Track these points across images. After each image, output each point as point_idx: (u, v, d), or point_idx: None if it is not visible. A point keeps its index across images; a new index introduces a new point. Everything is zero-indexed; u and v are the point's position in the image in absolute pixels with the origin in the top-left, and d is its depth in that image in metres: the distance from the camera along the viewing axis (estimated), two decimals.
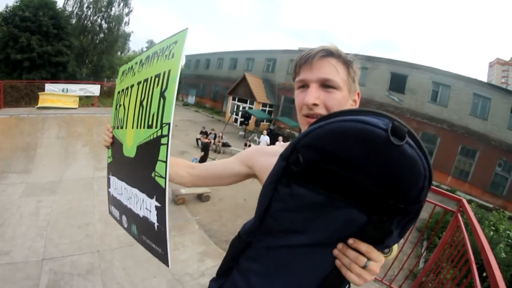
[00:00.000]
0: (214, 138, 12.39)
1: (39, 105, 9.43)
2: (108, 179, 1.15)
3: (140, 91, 0.86)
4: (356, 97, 0.78)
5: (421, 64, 14.39)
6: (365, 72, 15.36)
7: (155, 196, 0.82)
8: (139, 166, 0.90)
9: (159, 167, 0.78)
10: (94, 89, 10.78)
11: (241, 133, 17.71)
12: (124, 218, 1.02)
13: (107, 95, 15.15)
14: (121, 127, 0.97)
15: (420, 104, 14.41)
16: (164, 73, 0.76)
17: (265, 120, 19.32)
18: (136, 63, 0.94)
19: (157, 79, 0.79)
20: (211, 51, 28.76)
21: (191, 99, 29.80)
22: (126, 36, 24.89)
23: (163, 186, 0.78)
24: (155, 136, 0.79)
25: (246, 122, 18.71)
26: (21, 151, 8.14)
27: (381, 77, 15.23)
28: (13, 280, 4.73)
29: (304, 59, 0.73)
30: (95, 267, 4.92)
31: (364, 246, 0.50)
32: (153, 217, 0.83)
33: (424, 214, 4.61)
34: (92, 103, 10.69)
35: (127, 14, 22.98)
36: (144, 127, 0.82)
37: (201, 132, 12.59)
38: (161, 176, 0.78)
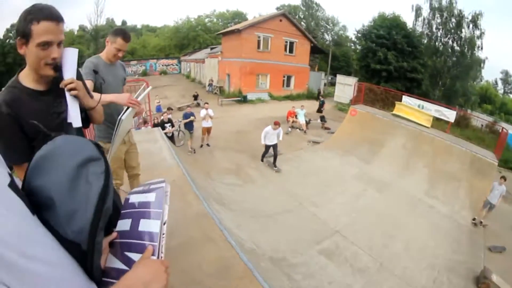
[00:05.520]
0: None
1: (394, 112, 10.40)
2: None
3: None
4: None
5: None
6: None
7: None
8: None
9: None
10: (449, 114, 10.09)
11: None
12: None
13: (456, 123, 13.72)
14: None
15: None
16: None
17: None
18: None
19: None
20: None
21: None
22: (480, 62, 21.88)
23: None
24: None
25: None
26: (367, 143, 9.64)
27: None
28: None
29: None
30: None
31: None
32: None
33: None
34: (444, 130, 10.06)
35: (479, 37, 20.45)
36: None
37: None
38: None
